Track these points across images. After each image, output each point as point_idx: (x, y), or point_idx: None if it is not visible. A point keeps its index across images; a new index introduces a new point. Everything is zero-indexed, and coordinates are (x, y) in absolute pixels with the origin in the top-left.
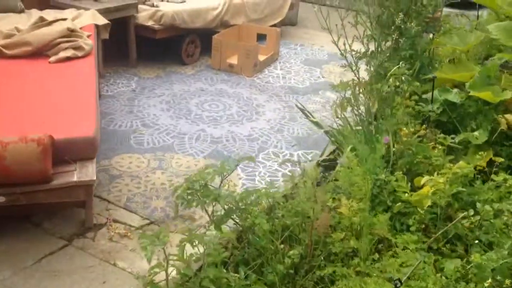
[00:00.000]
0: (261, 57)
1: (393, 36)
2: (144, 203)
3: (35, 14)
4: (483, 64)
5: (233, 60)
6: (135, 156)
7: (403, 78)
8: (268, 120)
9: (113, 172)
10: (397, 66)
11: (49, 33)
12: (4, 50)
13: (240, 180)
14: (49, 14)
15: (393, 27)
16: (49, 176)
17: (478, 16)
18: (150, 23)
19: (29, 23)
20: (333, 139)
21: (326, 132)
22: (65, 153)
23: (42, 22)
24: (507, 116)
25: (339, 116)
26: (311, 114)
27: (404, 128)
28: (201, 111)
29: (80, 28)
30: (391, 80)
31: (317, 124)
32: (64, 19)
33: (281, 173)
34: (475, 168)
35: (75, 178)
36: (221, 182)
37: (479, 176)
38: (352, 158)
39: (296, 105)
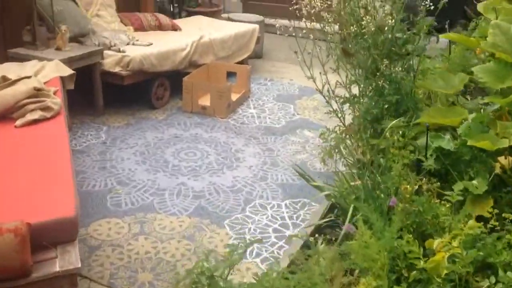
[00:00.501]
0: (234, 97)
1: (379, 82)
2: (130, 278)
3: None
4: (469, 104)
5: (206, 101)
6: (113, 220)
7: (400, 132)
8: (249, 167)
9: (91, 242)
10: (397, 119)
11: (14, 94)
12: None
13: (230, 239)
14: (10, 70)
15: (378, 73)
16: (28, 269)
17: (450, 51)
18: (117, 69)
19: None
20: (332, 199)
21: (327, 195)
22: (42, 237)
23: (4, 82)
24: (501, 159)
25: (327, 165)
26: (311, 179)
27: (407, 185)
28: (178, 161)
29: (45, 83)
30: (387, 134)
31: (318, 187)
32: (29, 77)
33: (272, 229)
34: (477, 219)
35: (57, 268)
36: (229, 272)
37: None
38: (365, 231)
39: (295, 170)
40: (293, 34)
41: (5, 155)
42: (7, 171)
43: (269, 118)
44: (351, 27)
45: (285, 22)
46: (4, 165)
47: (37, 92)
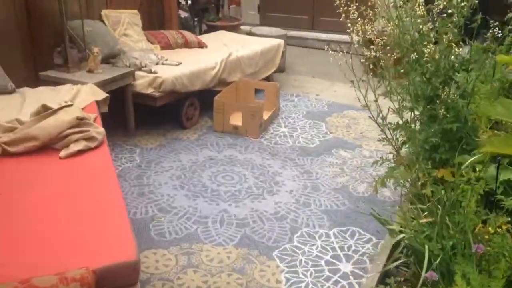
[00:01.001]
0: (264, 115)
1: (440, 111)
2: None
3: (29, 94)
4: None
5: (237, 120)
6: (159, 252)
7: (469, 166)
8: (290, 192)
9: (141, 276)
10: (472, 158)
11: (56, 124)
12: (6, 147)
13: (282, 273)
14: (45, 95)
15: (436, 100)
16: None
17: (494, 72)
18: (149, 90)
19: (25, 107)
20: (403, 240)
21: (391, 231)
22: (103, 283)
23: (45, 112)
24: None
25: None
26: (387, 222)
27: (486, 225)
28: (217, 185)
29: (83, 109)
30: (462, 170)
31: (392, 231)
32: (70, 105)
33: (324, 261)
34: None
35: None
36: None
37: None
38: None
39: (373, 215)
40: (312, 45)
41: (53, 190)
42: (59, 209)
43: (302, 137)
44: (408, 52)
45: (303, 33)
46: (54, 201)
47: (80, 122)
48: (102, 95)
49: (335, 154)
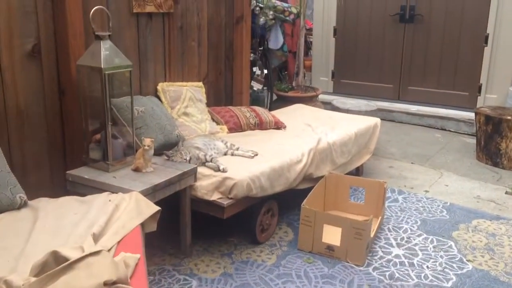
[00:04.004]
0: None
1: None
2: None
3: (44, 212)
4: None
5: (332, 238)
6: None
7: None
8: None
9: None
10: None
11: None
12: None
13: None
14: (66, 214)
15: None
16: None
17: None
18: (215, 196)
19: (33, 237)
20: None
21: None
22: None
23: (55, 268)
24: None
25: None
26: None
27: None
28: None
29: (119, 241)
30: None
31: None
32: (98, 252)
33: None
34: None
35: None
36: None
37: None
38: None
39: None
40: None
41: None
42: None
43: (427, 267)
44: None
45: (387, 105)
46: None
47: (111, 286)
48: (150, 210)
49: None
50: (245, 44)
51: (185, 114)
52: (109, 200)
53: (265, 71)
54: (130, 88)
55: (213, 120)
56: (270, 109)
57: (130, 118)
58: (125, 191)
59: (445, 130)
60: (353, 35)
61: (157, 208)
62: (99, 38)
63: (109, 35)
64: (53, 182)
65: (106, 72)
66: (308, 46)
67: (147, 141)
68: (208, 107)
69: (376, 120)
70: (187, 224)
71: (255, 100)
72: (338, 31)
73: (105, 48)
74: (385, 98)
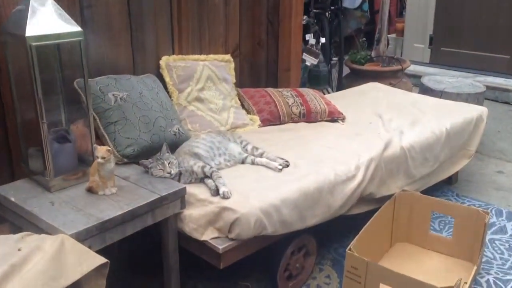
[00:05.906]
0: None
1: None
2: None
3: None
4: None
5: None
6: None
7: None
8: None
9: None
10: None
11: None
12: None
13: None
14: None
15: None
16: None
17: None
18: (208, 235)
19: None
20: None
21: None
22: None
23: None
24: None
25: None
26: None
27: None
28: None
29: None
30: None
31: None
32: None
33: None
34: None
35: None
36: None
37: None
38: None
39: None
40: None
41: None
42: None
43: None
44: None
45: (501, 81)
46: None
47: None
48: (94, 263)
49: None
50: (297, 2)
51: (199, 99)
52: (18, 249)
53: (322, 40)
54: (82, 65)
55: (243, 107)
56: (339, 89)
57: (104, 108)
58: (54, 230)
59: None
60: None
61: (104, 261)
62: None
63: None
64: None
65: (33, 44)
66: (402, 3)
67: (101, 151)
68: (240, 88)
69: (482, 110)
70: (172, 269)
71: (314, 78)
72: None
73: (39, 3)
74: (498, 72)
